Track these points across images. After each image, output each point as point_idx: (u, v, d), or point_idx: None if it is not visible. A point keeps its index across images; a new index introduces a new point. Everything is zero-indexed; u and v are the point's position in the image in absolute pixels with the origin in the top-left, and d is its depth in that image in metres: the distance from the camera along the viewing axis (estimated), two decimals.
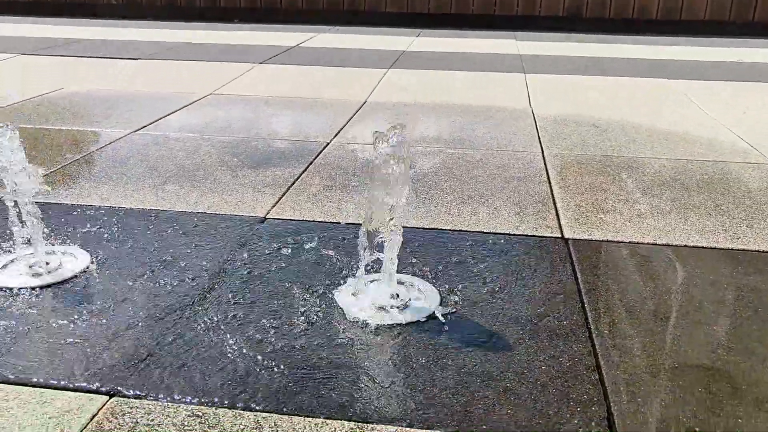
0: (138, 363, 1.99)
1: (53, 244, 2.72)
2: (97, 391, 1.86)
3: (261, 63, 7.39)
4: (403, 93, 5.97)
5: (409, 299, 2.35)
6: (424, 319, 2.26)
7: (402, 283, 2.42)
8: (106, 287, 2.44)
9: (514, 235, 2.97)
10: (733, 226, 3.11)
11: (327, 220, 3.09)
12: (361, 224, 2.24)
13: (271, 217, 3.13)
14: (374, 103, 5.56)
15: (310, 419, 1.77)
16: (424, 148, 4.28)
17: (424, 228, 3.01)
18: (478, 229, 3.02)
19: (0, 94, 5.56)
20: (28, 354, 2.03)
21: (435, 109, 5.43)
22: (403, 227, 2.26)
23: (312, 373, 1.96)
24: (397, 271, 2.37)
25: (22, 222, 2.49)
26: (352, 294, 2.41)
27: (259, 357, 2.03)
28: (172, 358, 2.02)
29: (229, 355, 2.03)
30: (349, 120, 4.96)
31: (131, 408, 1.80)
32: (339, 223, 3.06)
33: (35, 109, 5.12)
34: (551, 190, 3.54)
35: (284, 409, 1.80)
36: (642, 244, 2.91)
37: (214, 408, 1.80)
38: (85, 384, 1.89)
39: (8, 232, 2.53)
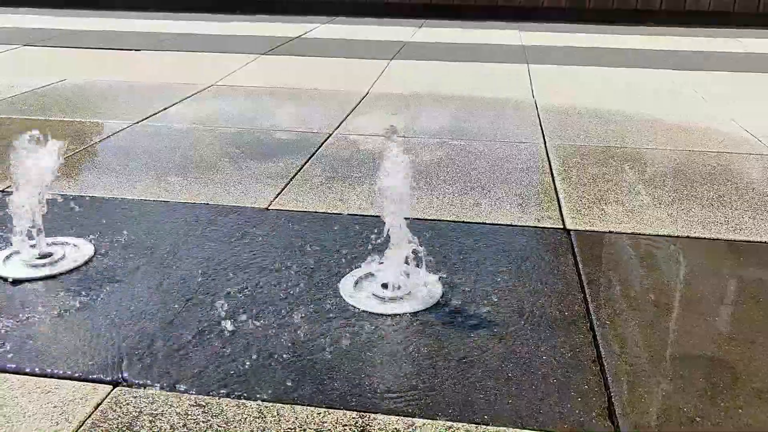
0: (141, 352, 2.00)
1: (56, 235, 2.73)
2: (100, 381, 1.88)
3: (263, 54, 7.38)
4: (405, 84, 5.95)
5: (411, 290, 2.36)
6: (426, 309, 2.26)
7: (404, 274, 2.42)
8: (109, 278, 2.45)
9: (516, 226, 2.98)
10: (736, 217, 3.11)
11: (329, 211, 3.09)
12: (363, 215, 2.24)
13: (273, 208, 3.13)
14: (377, 94, 5.55)
15: (312, 408, 1.78)
16: (426, 139, 4.27)
17: (426, 219, 3.01)
18: (480, 220, 3.02)
19: (3, 84, 5.56)
20: (32, 344, 2.05)
21: (437, 100, 5.42)
22: (405, 219, 2.26)
23: (314, 361, 1.97)
24: (400, 262, 2.37)
25: (24, 213, 2.50)
26: (355, 283, 2.41)
27: (261, 347, 2.04)
28: (176, 347, 2.03)
29: (232, 346, 2.04)
30: (352, 111, 4.96)
31: (135, 397, 1.81)
32: (341, 214, 3.06)
33: (38, 99, 5.12)
34: (553, 181, 3.54)
35: (285, 398, 1.81)
36: (644, 235, 2.91)
37: (217, 398, 1.82)
38: (88, 374, 1.91)
39: (10, 223, 2.54)
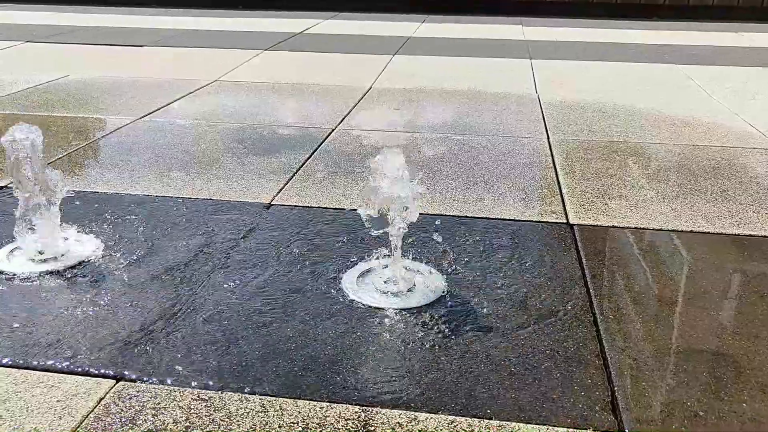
0: (144, 347, 2.00)
1: (60, 230, 2.73)
2: (104, 375, 1.88)
3: (266, 50, 7.37)
4: (408, 79, 5.94)
5: (414, 284, 2.35)
6: (428, 304, 2.26)
7: (407, 268, 2.42)
8: (112, 273, 2.46)
9: (519, 220, 2.97)
10: (740, 211, 3.09)
11: (332, 206, 3.09)
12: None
13: (276, 203, 3.13)
14: (379, 89, 5.55)
15: (315, 402, 1.78)
16: (429, 135, 4.27)
17: (429, 214, 3.00)
18: (483, 215, 3.02)
19: (5, 81, 5.56)
20: (36, 338, 2.05)
21: (440, 95, 5.41)
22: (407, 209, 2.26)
23: (316, 356, 1.97)
24: (402, 256, 2.37)
25: (29, 208, 2.50)
26: (358, 278, 2.41)
27: (264, 341, 2.04)
28: (178, 342, 2.03)
29: (234, 340, 2.04)
30: (354, 106, 4.95)
31: (138, 391, 1.81)
32: (344, 209, 3.06)
33: (41, 96, 5.12)
34: (557, 176, 3.53)
35: (288, 393, 1.81)
36: (648, 229, 2.90)
37: (219, 392, 1.82)
38: (92, 368, 1.91)
39: (15, 218, 2.54)
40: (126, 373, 1.89)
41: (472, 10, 10.63)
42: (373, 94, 5.36)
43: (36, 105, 4.86)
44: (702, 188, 3.38)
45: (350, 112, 4.80)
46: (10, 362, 1.94)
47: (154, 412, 1.74)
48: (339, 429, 1.69)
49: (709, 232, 2.88)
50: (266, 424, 1.70)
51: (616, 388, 1.85)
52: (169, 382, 1.86)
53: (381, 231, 2.28)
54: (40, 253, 2.53)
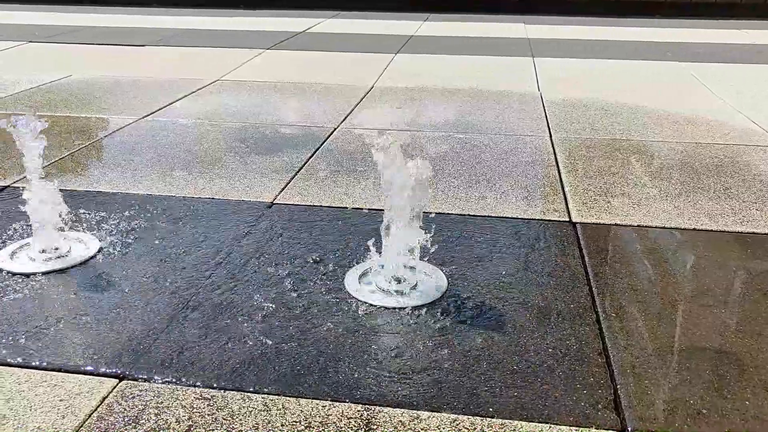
0: (147, 346, 2.01)
1: (63, 230, 2.74)
2: (107, 375, 1.88)
3: (268, 49, 7.37)
4: (410, 78, 5.94)
5: (417, 282, 2.35)
6: (431, 302, 2.26)
7: (409, 267, 2.42)
8: (115, 272, 2.46)
9: (521, 219, 2.97)
10: (743, 209, 3.09)
11: (334, 205, 3.09)
12: (368, 209, 2.24)
13: (278, 202, 3.13)
14: (381, 88, 5.54)
15: (317, 401, 1.78)
16: (431, 133, 4.26)
17: (431, 213, 3.00)
18: (485, 213, 3.02)
19: (8, 81, 5.57)
20: (40, 338, 2.05)
21: (443, 93, 5.40)
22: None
23: (319, 354, 1.97)
24: (404, 255, 2.36)
25: (31, 208, 2.51)
26: (360, 277, 2.41)
27: (266, 339, 2.04)
28: (181, 341, 2.03)
29: (237, 339, 2.05)
30: (357, 105, 4.95)
31: (140, 390, 1.82)
32: (346, 207, 3.06)
33: (44, 96, 5.13)
34: (559, 174, 3.52)
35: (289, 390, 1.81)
36: (650, 227, 2.90)
37: (222, 391, 1.82)
38: (95, 367, 1.91)
39: (18, 218, 2.54)
40: (129, 372, 1.89)
41: (474, 9, 10.61)
42: (375, 93, 5.35)
43: (39, 105, 4.86)
44: (705, 186, 3.37)
45: (352, 111, 4.79)
46: (13, 361, 1.94)
47: (156, 411, 1.74)
48: (341, 427, 1.69)
49: (712, 230, 2.87)
50: (268, 422, 1.70)
51: (618, 386, 1.85)
52: (171, 380, 1.86)
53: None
54: (43, 252, 2.53)
